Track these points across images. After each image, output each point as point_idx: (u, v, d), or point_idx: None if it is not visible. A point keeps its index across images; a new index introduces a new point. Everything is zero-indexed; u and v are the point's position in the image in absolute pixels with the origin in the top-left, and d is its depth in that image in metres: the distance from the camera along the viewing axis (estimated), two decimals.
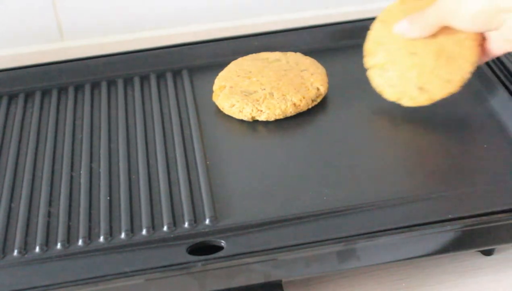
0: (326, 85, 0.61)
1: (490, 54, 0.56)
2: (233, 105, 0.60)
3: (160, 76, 0.66)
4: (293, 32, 0.69)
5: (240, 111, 0.59)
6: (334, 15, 0.78)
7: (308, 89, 0.60)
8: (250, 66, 0.63)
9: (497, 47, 0.55)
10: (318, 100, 0.61)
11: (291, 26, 0.70)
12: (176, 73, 0.66)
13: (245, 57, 0.65)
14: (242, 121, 0.60)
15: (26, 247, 0.49)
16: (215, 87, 0.62)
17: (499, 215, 0.48)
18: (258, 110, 0.59)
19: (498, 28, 0.51)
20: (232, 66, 0.64)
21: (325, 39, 0.68)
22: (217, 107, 0.61)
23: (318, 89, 0.61)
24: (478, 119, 0.58)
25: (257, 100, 0.59)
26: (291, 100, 0.59)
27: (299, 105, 0.59)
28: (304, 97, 0.60)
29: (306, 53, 0.65)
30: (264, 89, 0.60)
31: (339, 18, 0.71)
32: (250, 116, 0.59)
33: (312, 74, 0.62)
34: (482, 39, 0.56)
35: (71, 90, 0.65)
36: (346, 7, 0.80)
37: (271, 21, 0.78)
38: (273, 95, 0.60)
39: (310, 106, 0.60)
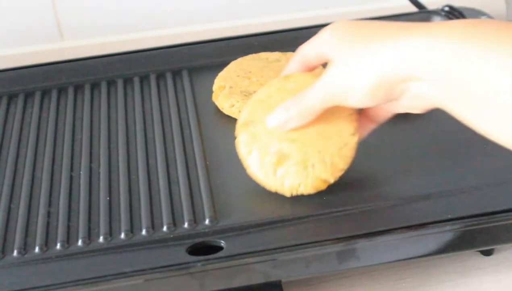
0: None
1: (378, 121, 0.51)
2: (233, 105, 0.60)
3: (160, 76, 0.66)
4: (293, 32, 0.69)
5: (239, 111, 0.59)
6: (334, 15, 0.78)
7: None
8: (250, 66, 0.63)
9: (385, 114, 0.50)
10: None
11: (291, 26, 0.70)
12: (176, 73, 0.66)
13: (245, 57, 0.65)
14: None
15: (25, 247, 0.49)
16: (214, 87, 0.62)
17: (499, 215, 0.48)
18: None
19: (399, 98, 0.44)
20: (232, 66, 0.64)
21: None
22: (216, 107, 0.61)
23: None
24: None
25: None
26: None
27: None
28: None
29: None
30: None
31: (339, 18, 0.71)
32: None
33: None
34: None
35: (70, 91, 0.65)
36: (346, 7, 0.80)
37: (271, 21, 0.78)
38: None
39: None
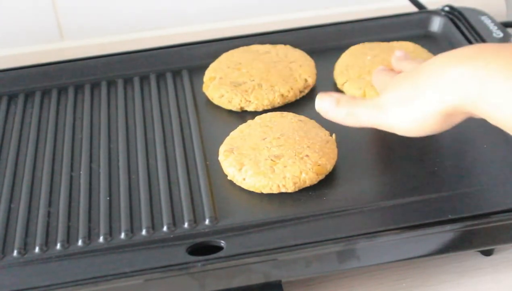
0: (314, 76, 0.62)
1: None
2: (222, 96, 0.60)
3: (160, 76, 0.66)
4: (293, 32, 0.69)
5: (229, 101, 0.60)
6: (334, 15, 0.78)
7: (296, 81, 0.61)
8: (240, 58, 0.64)
9: None
10: (306, 91, 0.62)
11: (291, 26, 0.70)
12: (176, 73, 0.66)
13: (236, 49, 0.66)
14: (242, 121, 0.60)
15: (26, 247, 0.49)
16: (205, 78, 0.63)
17: (499, 215, 0.48)
18: (246, 100, 0.60)
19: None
20: (223, 58, 0.65)
21: (325, 39, 0.68)
22: (217, 107, 0.61)
23: (306, 80, 0.62)
24: (478, 119, 0.58)
25: (246, 91, 0.60)
26: (279, 91, 0.60)
27: (287, 96, 0.60)
28: (292, 88, 0.61)
29: (307, 53, 0.65)
30: (253, 80, 0.61)
31: (339, 18, 0.71)
32: (238, 107, 0.60)
33: (300, 66, 0.63)
34: None
35: (71, 90, 0.65)
36: (346, 7, 0.80)
37: (271, 21, 0.78)
38: (261, 86, 0.60)
39: (298, 97, 0.61)
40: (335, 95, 0.51)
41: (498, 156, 0.54)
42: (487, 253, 0.52)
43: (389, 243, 0.47)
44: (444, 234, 0.48)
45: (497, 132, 0.56)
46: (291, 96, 0.60)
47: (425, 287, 0.50)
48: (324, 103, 0.52)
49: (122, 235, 0.49)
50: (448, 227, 0.47)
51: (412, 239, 0.47)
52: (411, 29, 0.68)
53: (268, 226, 0.49)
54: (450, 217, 0.48)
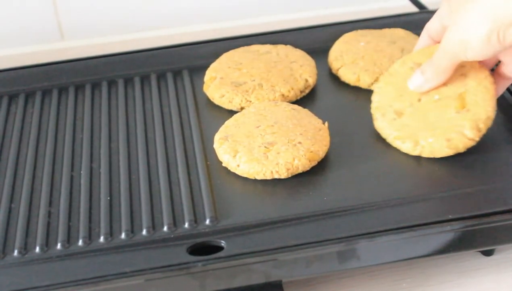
0: (314, 76, 0.63)
1: (509, 77, 0.54)
2: (223, 96, 0.61)
3: (161, 76, 0.66)
4: (293, 32, 0.69)
5: (229, 101, 0.60)
6: (334, 15, 0.78)
7: (297, 81, 0.61)
8: (240, 58, 0.64)
9: None
10: (307, 91, 0.62)
11: (291, 26, 0.70)
12: (177, 73, 0.66)
13: (236, 50, 0.66)
14: None
15: (26, 247, 0.49)
16: (206, 78, 0.63)
17: (499, 215, 0.48)
18: (247, 100, 0.60)
19: None
20: (224, 58, 0.65)
21: (325, 39, 0.68)
22: (217, 107, 0.61)
23: (306, 80, 0.62)
24: None
25: (247, 91, 0.60)
26: (280, 91, 0.60)
27: (288, 96, 0.60)
28: (292, 88, 0.61)
29: (307, 53, 0.66)
30: (254, 80, 0.61)
31: (339, 18, 0.71)
32: (239, 107, 0.60)
33: (301, 66, 0.63)
34: (495, 65, 0.55)
35: (71, 90, 0.65)
36: (346, 7, 0.80)
37: (271, 21, 0.78)
38: (262, 86, 0.60)
39: (298, 97, 0.62)
40: (418, 69, 0.54)
41: (498, 155, 0.54)
42: (488, 253, 0.52)
43: (389, 243, 0.47)
44: (444, 234, 0.48)
45: (497, 132, 0.56)
46: (291, 96, 0.61)
47: (425, 287, 0.50)
48: (413, 81, 0.55)
49: (123, 235, 0.49)
50: (448, 227, 0.47)
51: (412, 239, 0.48)
52: (411, 29, 0.68)
53: (268, 226, 0.49)
54: (450, 217, 0.48)
